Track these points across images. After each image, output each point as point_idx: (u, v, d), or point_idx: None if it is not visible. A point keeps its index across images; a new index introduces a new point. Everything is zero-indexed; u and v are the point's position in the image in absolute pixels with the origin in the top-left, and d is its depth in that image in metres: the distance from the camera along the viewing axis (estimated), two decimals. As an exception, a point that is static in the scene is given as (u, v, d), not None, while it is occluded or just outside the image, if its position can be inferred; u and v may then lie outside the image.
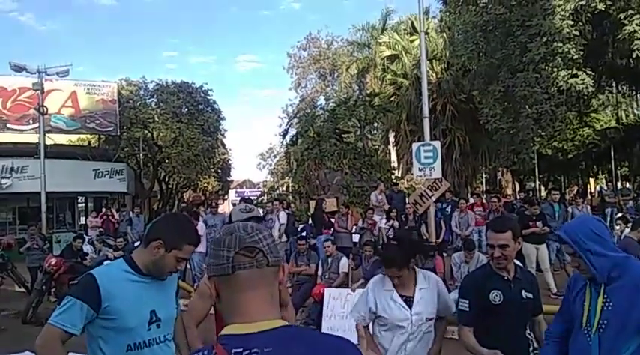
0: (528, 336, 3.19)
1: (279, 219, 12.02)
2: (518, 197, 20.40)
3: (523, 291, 3.16)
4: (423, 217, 11.39)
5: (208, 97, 28.32)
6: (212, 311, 2.97)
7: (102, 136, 27.03)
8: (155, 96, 27.12)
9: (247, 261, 1.29)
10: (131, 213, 16.99)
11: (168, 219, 2.80)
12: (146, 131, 26.48)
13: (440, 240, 11.46)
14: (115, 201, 25.12)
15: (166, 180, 30.65)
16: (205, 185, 38.80)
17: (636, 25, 13.27)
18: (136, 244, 11.62)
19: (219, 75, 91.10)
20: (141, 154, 26.72)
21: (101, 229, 16.24)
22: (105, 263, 8.02)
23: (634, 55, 14.13)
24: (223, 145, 34.71)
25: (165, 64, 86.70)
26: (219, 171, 37.12)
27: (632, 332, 2.39)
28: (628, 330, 2.39)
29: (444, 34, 23.17)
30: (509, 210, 13.16)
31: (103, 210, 18.66)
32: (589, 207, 13.21)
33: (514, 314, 3.12)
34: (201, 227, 10.68)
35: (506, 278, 3.17)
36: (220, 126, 30.08)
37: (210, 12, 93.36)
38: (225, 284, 1.29)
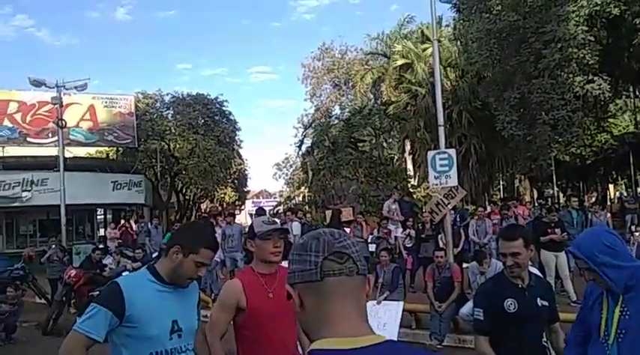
0: (545, 344, 3.16)
1: (292, 230, 12.01)
2: (536, 204, 20.20)
3: (538, 299, 3.14)
4: (440, 226, 11.33)
5: (224, 108, 28.55)
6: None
7: (120, 149, 27.31)
8: (171, 108, 27.41)
9: (337, 268, 1.19)
10: (149, 224, 17.11)
11: (186, 225, 2.85)
12: (163, 143, 26.72)
13: (459, 249, 11.38)
14: (134, 213, 25.17)
15: (183, 191, 30.83)
16: (222, 195, 38.95)
17: (652, 29, 13.18)
18: (154, 255, 11.77)
19: (232, 87, 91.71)
20: (158, 166, 26.89)
21: (120, 240, 16.35)
22: (124, 274, 8.11)
23: (651, 60, 14.03)
24: (239, 156, 34.86)
25: (179, 77, 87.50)
26: (236, 181, 37.25)
27: None
28: None
29: (458, 42, 23.13)
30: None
31: (122, 221, 18.81)
32: (609, 215, 13.04)
33: (530, 323, 3.09)
34: (217, 236, 10.73)
35: (520, 286, 3.16)
36: (236, 137, 30.29)
37: (221, 25, 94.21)
38: (312, 292, 1.20)
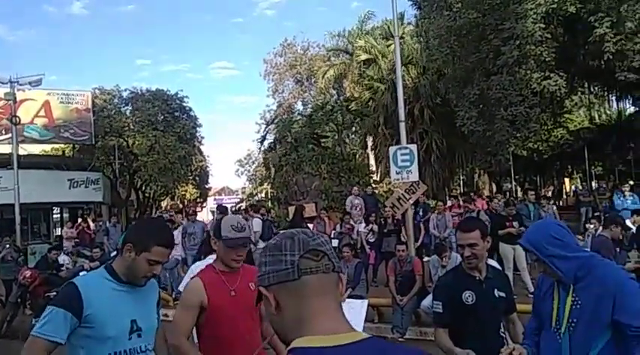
0: (503, 335, 3.22)
1: (252, 227, 11.85)
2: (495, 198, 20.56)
3: (496, 291, 3.19)
4: (402, 220, 11.43)
5: (184, 104, 28.18)
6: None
7: (76, 146, 26.75)
8: (130, 104, 26.97)
9: (314, 266, 1.19)
10: (107, 222, 16.79)
11: (139, 222, 2.79)
12: (121, 139, 26.33)
13: (420, 243, 11.51)
14: (91, 211, 24.79)
15: (143, 188, 30.36)
16: (183, 193, 38.55)
17: (606, 27, 13.50)
18: (113, 254, 11.52)
19: (194, 82, 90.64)
20: (116, 163, 26.48)
21: (77, 240, 16.00)
22: (81, 274, 7.91)
23: (605, 57, 14.37)
24: (200, 152, 34.50)
25: (139, 73, 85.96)
26: (197, 178, 36.92)
27: (600, 329, 2.43)
28: (596, 328, 2.44)
29: (420, 39, 23.35)
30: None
31: (79, 220, 18.42)
32: (554, 208, 13.58)
33: (487, 314, 3.15)
34: (176, 234, 10.57)
35: (478, 278, 3.21)
36: (197, 134, 29.97)
37: (182, 20, 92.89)
38: (289, 292, 1.18)
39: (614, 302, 2.39)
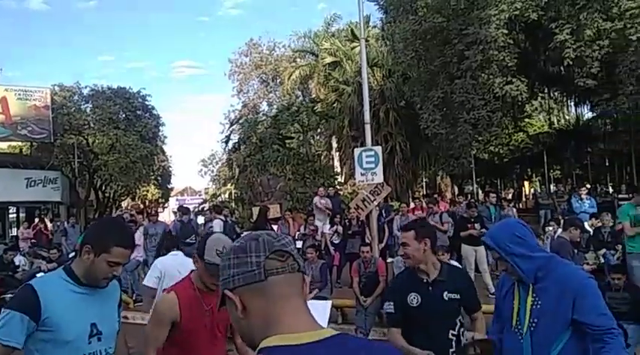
0: (452, 337, 3.19)
1: (214, 228, 11.69)
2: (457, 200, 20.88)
3: (445, 293, 3.18)
4: (366, 222, 11.47)
5: (147, 103, 27.67)
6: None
7: (34, 144, 26.04)
8: (90, 101, 26.33)
9: (280, 266, 1.20)
10: (66, 223, 16.44)
11: (97, 222, 2.70)
12: (81, 138, 25.79)
13: (384, 244, 11.57)
14: (49, 211, 24.24)
15: (103, 188, 29.73)
16: (144, 193, 37.92)
17: (566, 34, 13.86)
18: (71, 255, 11.22)
19: (158, 80, 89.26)
20: (76, 162, 25.89)
21: (34, 240, 15.59)
22: (37, 275, 7.66)
23: (565, 63, 14.76)
24: (163, 152, 33.99)
25: (101, 70, 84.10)
26: (159, 178, 36.40)
27: (560, 329, 2.48)
28: (557, 328, 2.48)
29: (386, 42, 23.52)
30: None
31: (36, 220, 17.95)
32: (515, 210, 13.88)
33: (433, 317, 3.15)
34: (137, 236, 10.36)
35: (425, 280, 3.22)
36: (160, 133, 29.51)
37: (147, 17, 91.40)
38: (256, 293, 1.19)
39: (574, 302, 2.44)
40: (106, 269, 2.40)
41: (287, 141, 23.27)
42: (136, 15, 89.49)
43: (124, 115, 26.26)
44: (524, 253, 2.56)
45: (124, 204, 35.12)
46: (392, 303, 3.25)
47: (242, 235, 1.33)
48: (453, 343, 3.17)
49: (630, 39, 12.94)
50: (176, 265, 4.65)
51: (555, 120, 31.39)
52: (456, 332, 3.21)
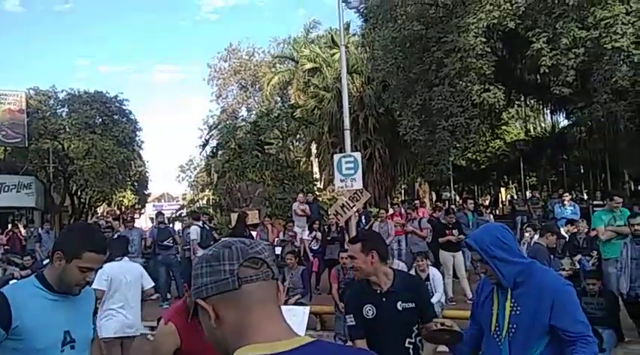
0: (409, 346, 3.18)
1: (190, 235, 11.54)
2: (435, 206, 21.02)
3: (399, 303, 3.17)
4: (345, 228, 11.45)
5: (124, 107, 27.31)
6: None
7: (8, 148, 25.62)
8: (66, 106, 25.97)
9: (254, 274, 1.17)
10: (40, 229, 16.14)
11: (69, 228, 2.65)
12: (56, 142, 25.37)
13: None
14: (23, 217, 23.80)
15: (78, 193, 29.27)
16: (121, 199, 37.42)
17: (543, 42, 14.07)
18: (45, 262, 11.00)
19: (135, 85, 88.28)
20: (51, 167, 25.47)
21: (7, 247, 15.25)
22: (10, 282, 7.49)
23: (541, 71, 14.99)
24: (140, 157, 33.58)
25: (78, 73, 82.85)
26: (136, 184, 35.96)
27: (538, 335, 2.49)
28: (535, 333, 2.49)
29: (366, 49, 23.64)
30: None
31: (9, 226, 17.59)
32: (492, 217, 14.01)
33: (388, 327, 3.14)
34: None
35: (378, 291, 3.21)
36: (137, 138, 29.12)
37: (125, 21, 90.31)
38: (229, 302, 1.15)
39: (552, 307, 2.45)
40: (78, 275, 2.36)
41: (266, 147, 23.23)
42: (114, 18, 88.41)
43: (100, 120, 25.94)
44: (505, 257, 2.57)
45: (99, 209, 34.65)
46: (352, 315, 3.24)
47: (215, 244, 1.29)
48: (411, 351, 3.18)
49: (605, 48, 13.19)
50: (123, 271, 5.21)
51: (531, 128, 31.84)
52: (412, 340, 3.20)
